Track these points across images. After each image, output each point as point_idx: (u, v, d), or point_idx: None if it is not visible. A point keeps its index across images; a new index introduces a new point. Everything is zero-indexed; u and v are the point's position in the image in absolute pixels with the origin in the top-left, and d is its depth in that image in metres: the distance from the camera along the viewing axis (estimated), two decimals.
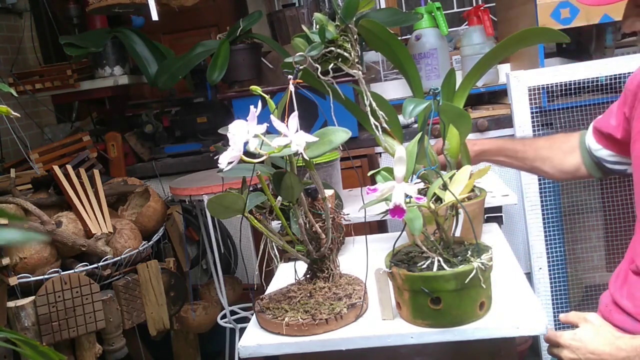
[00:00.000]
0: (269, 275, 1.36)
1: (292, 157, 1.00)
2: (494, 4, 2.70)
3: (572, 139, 1.37)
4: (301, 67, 1.12)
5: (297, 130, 0.88)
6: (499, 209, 1.70)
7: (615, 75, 2.03)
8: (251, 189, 0.99)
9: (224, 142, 1.55)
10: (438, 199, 1.02)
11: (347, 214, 1.37)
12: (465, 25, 2.63)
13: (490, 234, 1.41)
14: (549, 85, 2.06)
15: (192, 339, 2.31)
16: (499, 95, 2.51)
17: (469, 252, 0.99)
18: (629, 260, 1.16)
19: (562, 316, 1.09)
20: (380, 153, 2.37)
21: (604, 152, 1.29)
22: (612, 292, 1.17)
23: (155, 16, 2.07)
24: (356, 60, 1.23)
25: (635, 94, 1.17)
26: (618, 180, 2.10)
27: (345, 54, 1.21)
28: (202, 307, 2.24)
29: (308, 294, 1.09)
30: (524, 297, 1.04)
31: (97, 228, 1.78)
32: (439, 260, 0.95)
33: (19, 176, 2.13)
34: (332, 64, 1.21)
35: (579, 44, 2.24)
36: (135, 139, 2.67)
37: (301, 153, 0.89)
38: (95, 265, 1.71)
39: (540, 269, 2.06)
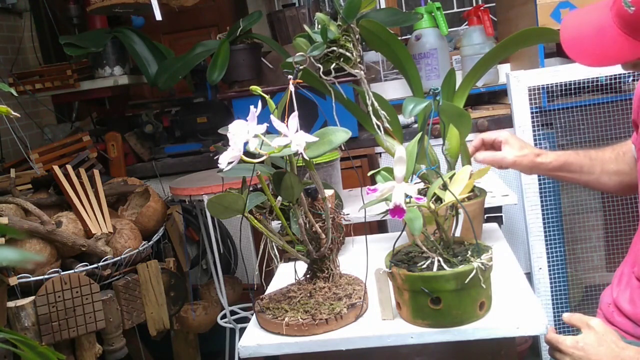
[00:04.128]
0: (269, 275, 1.36)
1: (292, 157, 1.00)
2: (494, 4, 2.70)
3: (630, 151, 1.27)
4: (301, 67, 1.12)
5: (297, 130, 0.88)
6: (499, 209, 1.70)
7: (615, 75, 2.03)
8: (251, 189, 0.99)
9: (224, 142, 1.54)
10: (438, 199, 1.02)
11: (347, 214, 1.37)
12: (465, 25, 2.63)
13: (490, 234, 1.41)
14: (549, 85, 2.06)
15: (192, 339, 2.31)
16: (499, 95, 2.51)
17: (469, 252, 0.99)
18: (631, 264, 1.15)
19: (565, 316, 1.07)
20: (380, 153, 2.37)
21: None
22: (615, 295, 1.16)
23: (158, 16, 2.07)
24: (358, 60, 1.23)
25: (639, 100, 1.16)
26: None
27: (348, 53, 1.21)
28: (202, 307, 2.24)
29: (308, 294, 1.09)
30: (524, 297, 1.04)
31: (97, 228, 1.78)
32: (439, 260, 0.95)
33: (19, 176, 2.13)
34: (334, 64, 1.22)
35: None
36: (135, 139, 2.67)
37: (301, 153, 0.88)
38: (95, 265, 1.71)
39: (540, 269, 2.06)
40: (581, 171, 1.28)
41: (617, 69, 1.99)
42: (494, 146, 1.29)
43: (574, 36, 1.03)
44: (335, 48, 1.21)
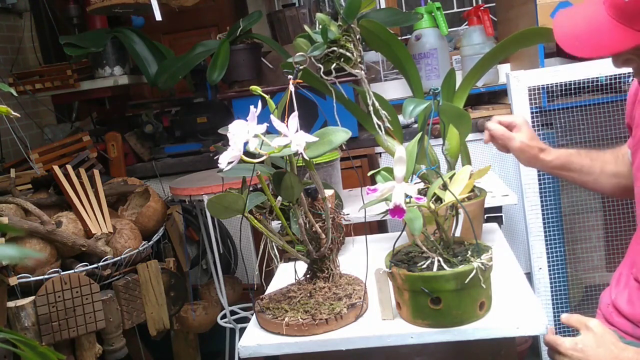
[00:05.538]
0: (269, 275, 1.36)
1: (292, 157, 1.00)
2: (494, 4, 2.70)
3: (627, 153, 1.28)
4: (301, 67, 1.12)
5: (297, 130, 0.87)
6: (499, 209, 1.70)
7: (615, 75, 2.03)
8: (251, 189, 0.99)
9: (224, 142, 1.54)
10: (438, 199, 1.02)
11: (347, 214, 1.37)
12: (465, 25, 2.63)
13: (490, 234, 1.41)
14: (549, 85, 2.06)
15: (192, 339, 2.31)
16: (499, 95, 2.51)
17: (469, 252, 0.99)
18: (629, 265, 1.15)
19: (563, 317, 1.07)
20: (380, 153, 2.36)
21: None
22: (613, 296, 1.17)
23: (158, 16, 2.07)
24: (359, 60, 1.23)
25: (632, 102, 1.17)
26: None
27: (348, 53, 1.21)
28: (202, 307, 2.24)
29: (308, 294, 1.09)
30: (524, 297, 1.04)
31: (97, 228, 1.77)
32: (439, 260, 0.95)
33: (19, 176, 2.13)
34: (334, 64, 1.22)
35: None
36: (135, 139, 2.67)
37: (301, 153, 0.88)
38: (95, 265, 1.71)
39: (540, 269, 2.06)
40: (581, 171, 1.29)
41: (616, 69, 2.00)
42: (510, 129, 1.29)
43: (567, 32, 1.04)
44: (335, 48, 1.22)
